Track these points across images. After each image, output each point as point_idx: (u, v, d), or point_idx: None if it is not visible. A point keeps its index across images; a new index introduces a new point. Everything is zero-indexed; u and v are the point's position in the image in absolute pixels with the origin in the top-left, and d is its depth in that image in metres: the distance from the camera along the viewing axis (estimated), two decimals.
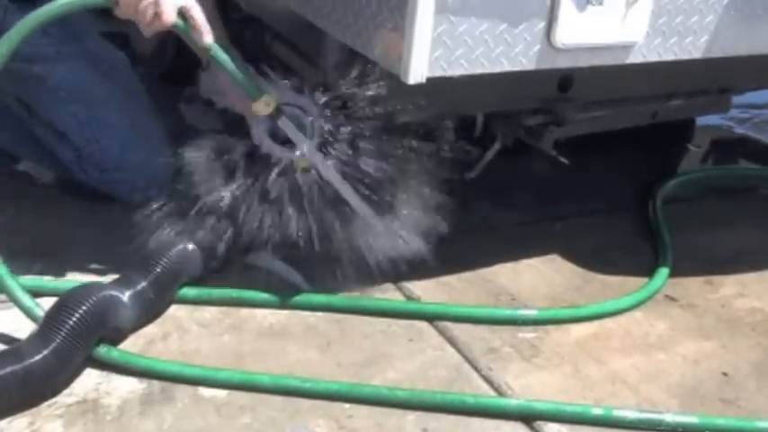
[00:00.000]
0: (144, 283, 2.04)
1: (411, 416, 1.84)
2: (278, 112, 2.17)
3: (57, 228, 2.42)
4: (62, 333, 1.81)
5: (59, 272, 2.21)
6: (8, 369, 1.73)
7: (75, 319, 1.84)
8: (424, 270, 2.34)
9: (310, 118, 2.20)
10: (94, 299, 1.90)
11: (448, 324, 2.16)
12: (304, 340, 2.06)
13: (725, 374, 2.08)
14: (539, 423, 1.85)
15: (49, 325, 1.84)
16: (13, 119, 2.54)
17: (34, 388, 1.77)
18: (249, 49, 3.06)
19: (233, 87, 2.19)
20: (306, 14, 2.29)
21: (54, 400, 1.80)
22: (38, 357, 1.77)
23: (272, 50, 2.83)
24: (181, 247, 2.15)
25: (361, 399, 1.87)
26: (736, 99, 3.03)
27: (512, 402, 1.89)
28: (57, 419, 1.75)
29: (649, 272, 2.46)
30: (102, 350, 1.91)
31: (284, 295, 2.17)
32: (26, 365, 1.75)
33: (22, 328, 1.95)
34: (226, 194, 2.19)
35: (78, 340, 1.84)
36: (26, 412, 1.75)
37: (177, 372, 1.89)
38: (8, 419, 1.73)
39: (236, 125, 2.79)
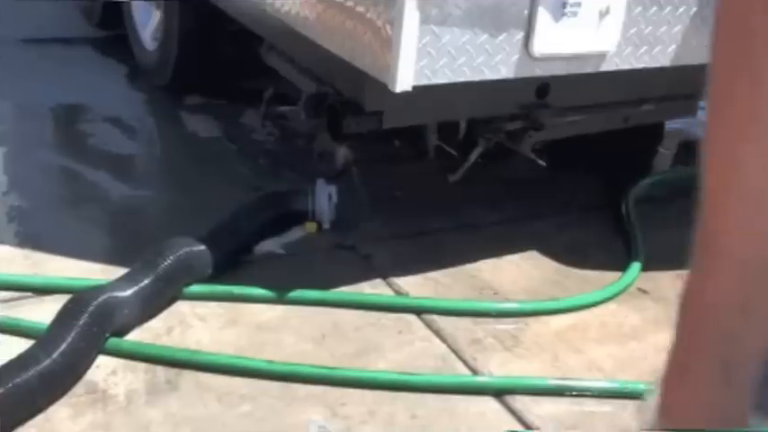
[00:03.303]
0: (147, 282, 2.04)
1: (401, 403, 1.84)
2: None
3: (61, 230, 2.42)
4: (72, 335, 1.81)
5: (70, 270, 2.22)
6: (24, 375, 1.72)
7: (83, 321, 1.85)
8: (412, 267, 2.36)
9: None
10: (101, 300, 1.91)
11: (434, 317, 2.16)
12: (299, 333, 2.06)
13: None
14: (519, 408, 1.86)
15: (59, 329, 1.84)
16: None
17: (49, 389, 1.76)
18: (244, 60, 3.09)
19: None
20: (297, 26, 2.29)
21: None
22: (49, 361, 1.76)
23: (267, 61, 2.84)
24: (188, 248, 2.16)
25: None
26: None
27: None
28: (67, 409, 1.75)
29: (623, 267, 2.46)
30: (113, 343, 1.92)
31: (281, 291, 2.17)
32: (40, 369, 1.74)
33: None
34: None
35: (86, 342, 1.84)
36: None
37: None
38: None
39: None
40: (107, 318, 1.92)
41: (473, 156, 2.71)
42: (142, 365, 1.90)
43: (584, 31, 2.11)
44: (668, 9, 2.21)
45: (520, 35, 2.05)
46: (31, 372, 1.72)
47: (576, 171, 3.13)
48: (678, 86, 2.63)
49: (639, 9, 2.18)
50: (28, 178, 2.71)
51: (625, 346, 2.13)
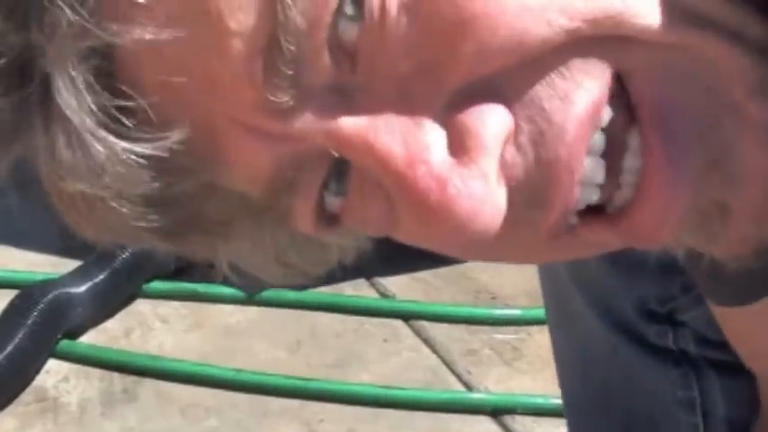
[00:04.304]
0: (103, 276, 2.15)
1: (384, 421, 1.95)
2: None
3: (5, 217, 2.49)
4: (19, 336, 1.92)
5: (16, 263, 2.31)
6: None
7: (32, 320, 1.95)
8: (399, 266, 2.42)
9: None
10: (51, 297, 2.02)
11: (424, 323, 2.23)
12: (272, 339, 2.16)
13: None
14: (518, 429, 1.96)
15: (4, 328, 1.95)
16: None
17: None
18: None
19: None
20: None
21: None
22: None
23: None
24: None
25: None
26: None
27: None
28: (13, 419, 1.85)
29: None
30: (65, 345, 2.03)
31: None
32: None
33: None
34: None
35: (35, 343, 1.95)
36: None
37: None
38: None
39: None
40: (58, 316, 2.02)
41: None
42: (97, 372, 2.00)
43: None
44: None
45: None
46: None
47: None
48: None
49: None
50: None
51: None
